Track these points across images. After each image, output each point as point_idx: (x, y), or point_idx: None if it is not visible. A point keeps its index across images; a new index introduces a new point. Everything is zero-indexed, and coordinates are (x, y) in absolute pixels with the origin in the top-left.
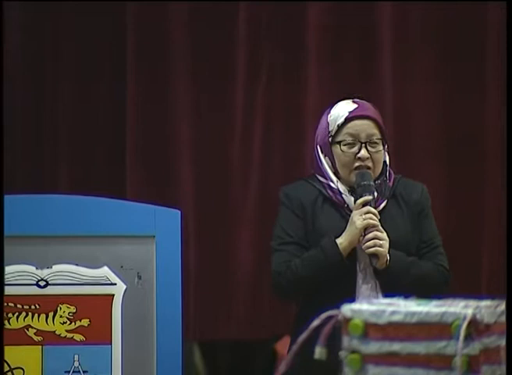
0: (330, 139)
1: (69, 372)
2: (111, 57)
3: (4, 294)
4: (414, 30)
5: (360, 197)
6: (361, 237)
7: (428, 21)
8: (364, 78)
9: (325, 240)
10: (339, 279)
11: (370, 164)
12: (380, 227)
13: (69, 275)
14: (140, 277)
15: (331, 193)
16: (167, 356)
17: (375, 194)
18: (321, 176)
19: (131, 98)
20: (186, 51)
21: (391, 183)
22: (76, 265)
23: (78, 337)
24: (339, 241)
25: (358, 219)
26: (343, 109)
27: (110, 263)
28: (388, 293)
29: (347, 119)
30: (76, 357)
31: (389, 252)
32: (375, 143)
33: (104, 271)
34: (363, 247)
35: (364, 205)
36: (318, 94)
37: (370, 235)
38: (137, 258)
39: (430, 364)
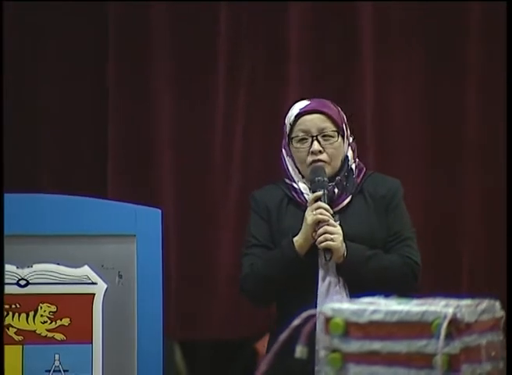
0: (287, 139)
1: (49, 371)
2: (92, 57)
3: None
4: (394, 30)
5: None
6: (314, 233)
7: (409, 20)
8: (346, 77)
9: (285, 240)
10: (305, 276)
11: (324, 157)
12: (332, 221)
13: (50, 274)
14: (120, 276)
15: (294, 194)
16: (148, 355)
17: (335, 189)
18: (287, 178)
19: (112, 99)
20: (166, 51)
21: (359, 179)
22: (57, 264)
23: (59, 336)
24: (295, 239)
25: (309, 215)
26: (295, 108)
27: (91, 262)
28: (352, 286)
29: (297, 116)
30: (57, 356)
31: (347, 246)
32: (328, 136)
33: (85, 270)
34: (316, 242)
35: (317, 200)
36: (300, 93)
37: (320, 230)
38: (118, 258)
39: (411, 363)
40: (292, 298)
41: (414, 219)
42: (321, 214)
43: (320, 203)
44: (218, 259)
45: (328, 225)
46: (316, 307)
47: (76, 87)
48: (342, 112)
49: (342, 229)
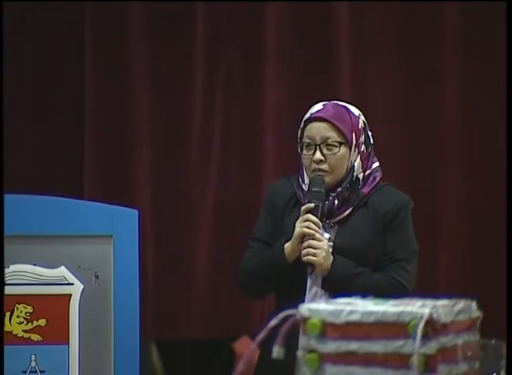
0: (299, 141)
1: (26, 372)
2: (69, 60)
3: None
4: (372, 30)
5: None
6: (300, 245)
7: (386, 19)
8: (323, 77)
9: (278, 242)
10: (295, 282)
11: (325, 167)
12: (318, 236)
13: (27, 275)
14: (97, 277)
15: (301, 195)
16: (125, 356)
17: (335, 200)
18: (300, 177)
19: (90, 101)
20: (144, 51)
21: (368, 190)
22: (34, 265)
23: (35, 337)
24: (286, 245)
25: (297, 226)
26: (309, 112)
27: (67, 263)
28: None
29: (306, 122)
30: (33, 357)
31: (334, 260)
32: (332, 146)
33: (62, 271)
34: (301, 255)
35: (308, 212)
36: (277, 94)
37: (304, 244)
38: (95, 258)
39: (387, 363)
40: (284, 300)
41: None
42: (307, 227)
43: (308, 216)
44: (195, 260)
45: (313, 239)
46: None
47: (52, 86)
48: (356, 120)
49: (335, 241)
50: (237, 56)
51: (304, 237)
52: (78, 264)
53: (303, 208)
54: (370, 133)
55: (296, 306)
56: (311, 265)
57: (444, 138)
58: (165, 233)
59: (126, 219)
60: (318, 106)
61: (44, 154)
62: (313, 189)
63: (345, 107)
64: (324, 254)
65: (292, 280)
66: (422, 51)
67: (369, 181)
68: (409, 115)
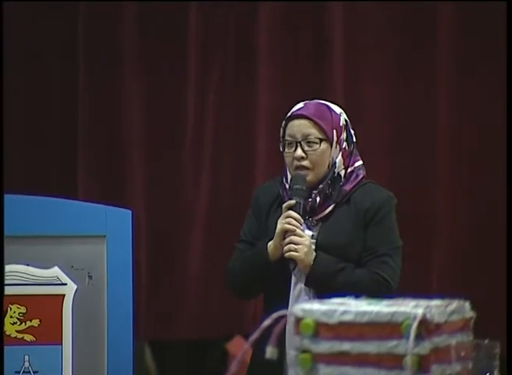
0: (281, 140)
1: (19, 372)
2: (62, 58)
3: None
4: (365, 29)
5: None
6: (282, 242)
7: (379, 20)
8: (316, 78)
9: (262, 241)
10: (280, 280)
11: (306, 164)
12: (299, 231)
13: (20, 275)
14: (90, 277)
15: (284, 194)
16: (118, 356)
17: (317, 197)
18: (284, 177)
19: (83, 100)
20: (137, 52)
21: (350, 187)
22: (27, 265)
23: (28, 337)
24: (269, 244)
25: (279, 223)
26: (291, 111)
27: (61, 263)
28: (321, 297)
29: (287, 120)
30: (27, 357)
31: (316, 257)
32: (312, 142)
33: (55, 271)
34: (283, 251)
35: (290, 209)
36: (269, 94)
37: (286, 240)
38: (88, 258)
39: (381, 363)
40: (271, 299)
41: None
42: (289, 223)
43: (290, 212)
44: (189, 260)
45: (295, 235)
46: None
47: (46, 87)
48: (337, 117)
49: (318, 238)
50: (230, 57)
51: (286, 233)
52: (71, 264)
53: (284, 205)
54: (352, 132)
55: (284, 306)
56: (294, 261)
57: (439, 138)
58: (158, 233)
59: (119, 220)
60: (300, 105)
61: (38, 154)
62: (294, 186)
63: (326, 105)
64: (306, 249)
65: (277, 279)
66: (416, 51)
67: (351, 178)
68: (404, 115)
